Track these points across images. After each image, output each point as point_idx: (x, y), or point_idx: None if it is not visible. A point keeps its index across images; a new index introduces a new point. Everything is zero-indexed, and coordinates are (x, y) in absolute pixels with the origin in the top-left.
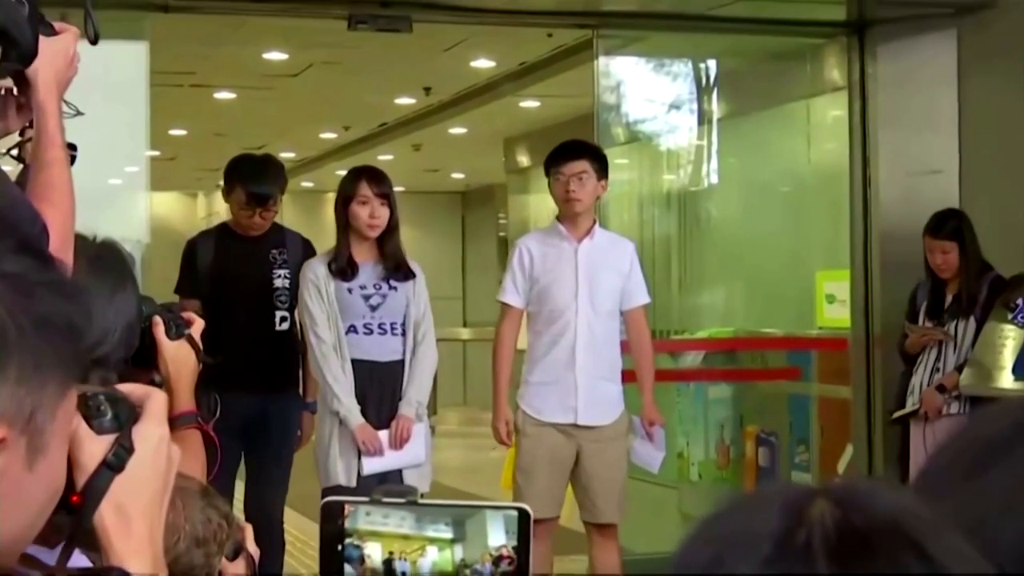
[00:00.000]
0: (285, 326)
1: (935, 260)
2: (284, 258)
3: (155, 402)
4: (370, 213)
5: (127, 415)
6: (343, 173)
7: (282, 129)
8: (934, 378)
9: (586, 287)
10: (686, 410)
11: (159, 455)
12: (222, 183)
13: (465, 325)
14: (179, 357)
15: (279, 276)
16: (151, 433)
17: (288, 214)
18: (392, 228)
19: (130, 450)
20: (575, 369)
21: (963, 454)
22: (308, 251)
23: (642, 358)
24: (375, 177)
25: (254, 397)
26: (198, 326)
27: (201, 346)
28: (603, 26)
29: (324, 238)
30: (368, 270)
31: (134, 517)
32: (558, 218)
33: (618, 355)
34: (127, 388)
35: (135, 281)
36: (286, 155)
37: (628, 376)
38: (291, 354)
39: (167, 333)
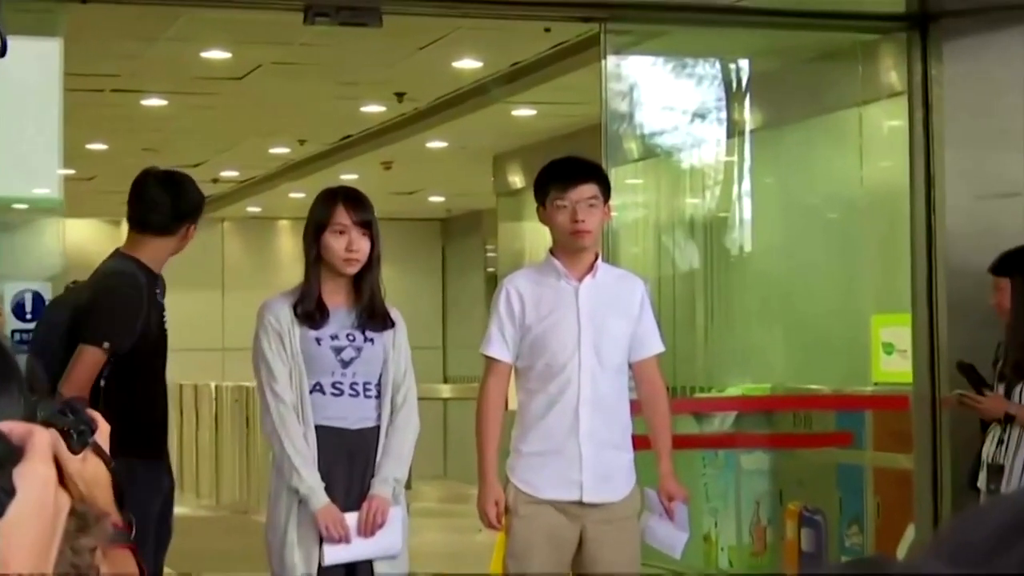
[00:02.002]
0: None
1: (991, 300)
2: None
3: (38, 440)
4: (347, 245)
5: (6, 455)
6: (298, 196)
7: (224, 143)
8: (998, 453)
9: (589, 335)
10: (714, 483)
11: (45, 499)
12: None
13: (445, 381)
14: (88, 473)
15: (166, 323)
16: (35, 474)
17: (232, 245)
18: (372, 264)
19: (10, 493)
20: (578, 435)
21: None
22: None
23: (657, 419)
24: (355, 201)
25: (166, 463)
26: (104, 430)
27: (109, 453)
28: (612, 19)
29: (275, 274)
30: (340, 316)
31: (14, 568)
32: (552, 251)
33: (628, 417)
34: (6, 427)
35: (21, 382)
36: (229, 174)
37: (641, 442)
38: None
39: (69, 446)
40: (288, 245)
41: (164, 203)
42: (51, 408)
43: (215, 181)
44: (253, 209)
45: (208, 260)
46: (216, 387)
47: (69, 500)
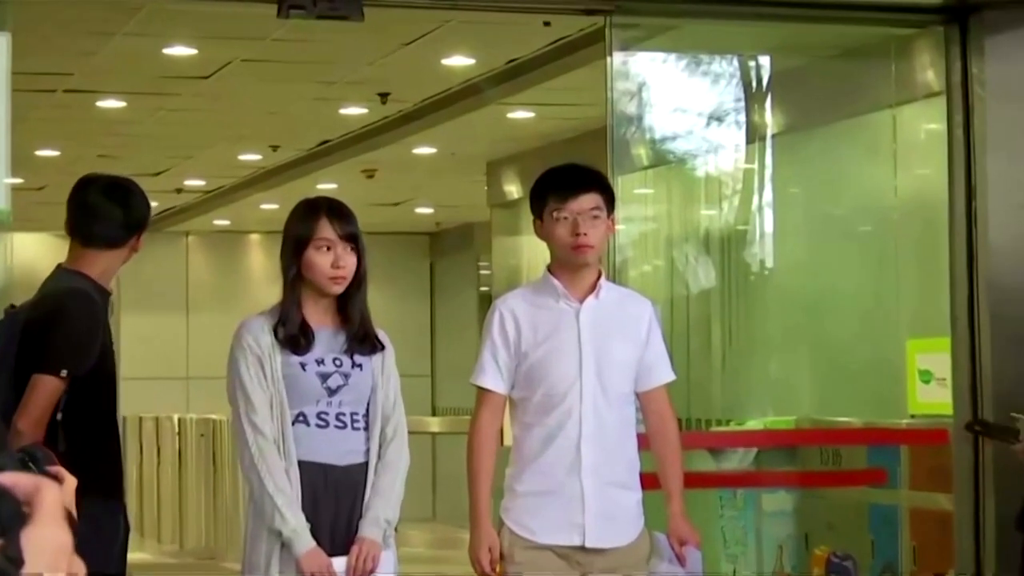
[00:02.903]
0: None
1: None
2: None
3: (49, 497)
4: (333, 262)
5: (11, 518)
6: (270, 208)
7: (189, 149)
8: None
9: (592, 362)
10: (732, 526)
11: (57, 566)
12: None
13: (434, 413)
14: (46, 541)
15: (113, 345)
16: (46, 540)
17: (197, 262)
18: (359, 282)
19: (18, 562)
20: (580, 473)
21: None
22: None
23: (667, 454)
24: (340, 213)
25: (121, 504)
26: (70, 485)
27: (75, 513)
28: (618, 11)
29: (245, 294)
30: (326, 339)
31: None
32: (551, 269)
33: (636, 453)
34: (8, 479)
35: None
36: (194, 183)
37: (650, 481)
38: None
39: None
40: (259, 262)
41: (112, 213)
42: (10, 459)
43: (179, 191)
44: (220, 222)
45: (170, 279)
46: (179, 420)
47: (85, 569)
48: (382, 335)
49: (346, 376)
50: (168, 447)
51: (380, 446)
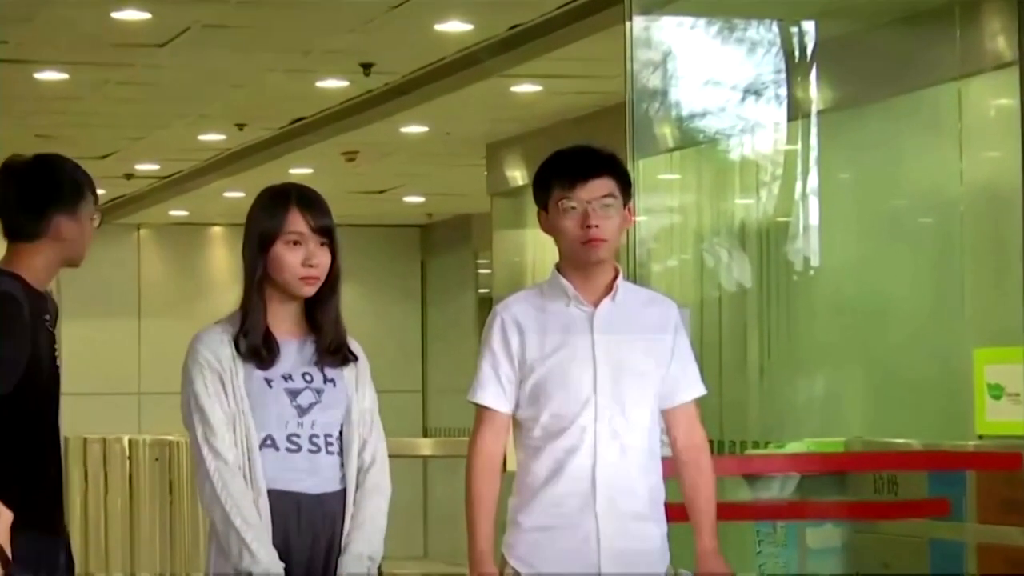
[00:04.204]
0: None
1: None
2: (53, 329)
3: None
4: (304, 259)
5: None
6: (234, 197)
7: (141, 128)
8: None
9: (609, 376)
10: (771, 564)
11: None
12: None
13: (425, 434)
14: None
15: (58, 357)
16: None
17: (151, 260)
18: (332, 283)
19: None
20: (595, 505)
21: None
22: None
23: (697, 482)
24: (311, 203)
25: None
26: (4, 520)
27: (8, 551)
28: None
29: (205, 297)
30: (293, 351)
31: None
32: (559, 268)
33: (660, 480)
34: None
35: None
36: (147, 168)
37: (677, 513)
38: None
39: None
40: (222, 259)
41: (21, 198)
42: None
43: (129, 177)
44: (177, 213)
45: (119, 279)
46: (130, 442)
47: None
48: (355, 345)
49: (318, 393)
50: (117, 473)
51: (358, 472)
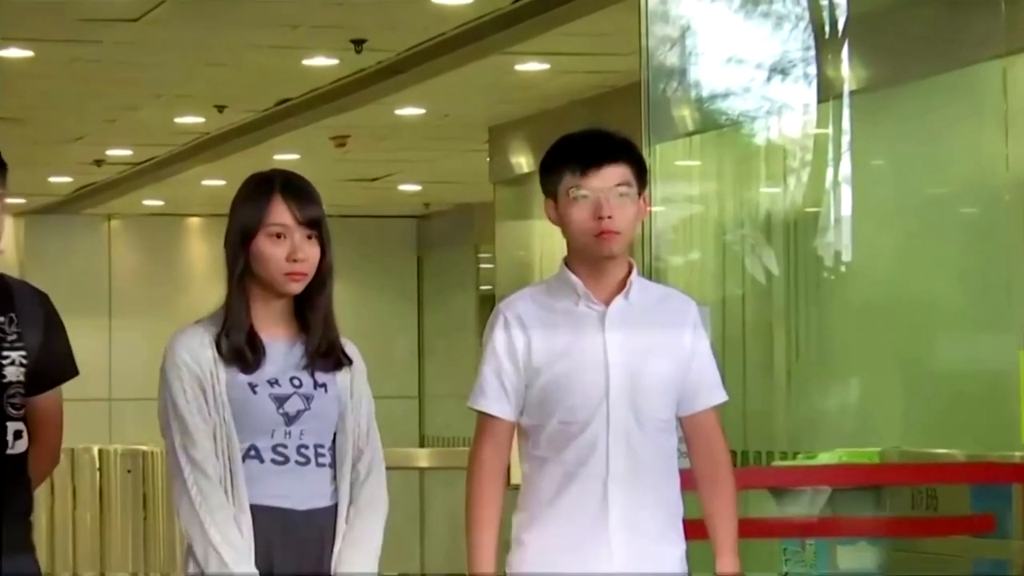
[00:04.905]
0: (21, 447)
1: None
2: (16, 331)
3: None
4: (289, 253)
5: None
6: (214, 185)
7: (113, 111)
8: None
9: (622, 380)
10: None
11: None
12: None
13: (422, 444)
14: None
15: (9, 362)
16: None
17: (122, 253)
18: (322, 279)
19: None
20: (607, 521)
21: None
22: (50, 315)
23: (718, 496)
24: (298, 191)
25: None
26: None
27: None
28: None
29: (182, 293)
30: (280, 353)
31: None
32: (568, 263)
33: (678, 495)
34: None
35: None
36: (119, 153)
37: (696, 530)
38: (29, 494)
39: None
40: (201, 253)
41: None
42: None
43: (99, 163)
44: (152, 202)
45: (89, 274)
46: (100, 452)
47: None
48: (350, 347)
49: (307, 399)
50: (86, 486)
51: (351, 486)
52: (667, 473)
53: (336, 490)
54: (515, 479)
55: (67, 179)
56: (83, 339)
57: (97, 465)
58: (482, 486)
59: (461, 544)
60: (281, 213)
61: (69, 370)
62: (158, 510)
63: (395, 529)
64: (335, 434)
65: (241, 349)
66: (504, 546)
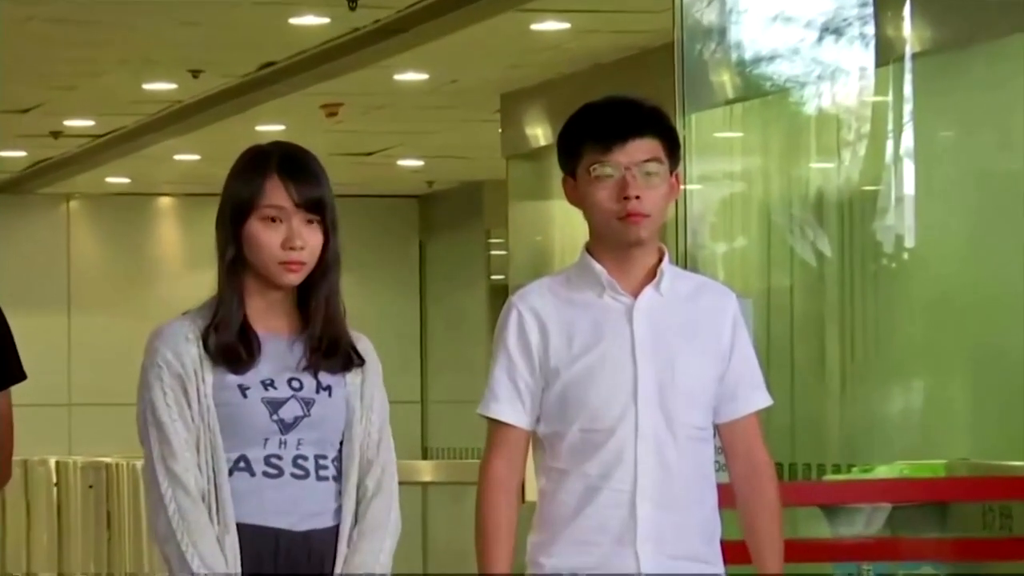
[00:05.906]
0: None
1: None
2: None
3: None
4: (285, 239)
5: None
6: (188, 160)
7: (72, 76)
8: None
9: (652, 382)
10: None
11: None
12: None
13: (425, 455)
14: None
15: None
16: None
17: (83, 237)
18: (326, 269)
19: None
20: (635, 542)
21: None
22: None
23: (760, 513)
24: (298, 169)
25: None
26: None
27: None
28: None
29: (153, 284)
30: (277, 351)
31: None
32: (590, 249)
33: (715, 512)
34: None
35: None
36: (79, 124)
37: (736, 552)
38: None
39: None
40: (172, 237)
41: None
42: None
43: (56, 136)
44: (117, 180)
45: (45, 262)
46: (58, 464)
47: None
48: (363, 344)
49: (307, 404)
50: (42, 502)
51: (358, 503)
52: (703, 488)
53: (339, 508)
54: (530, 495)
55: (20, 153)
56: (38, 336)
57: (54, 479)
58: (494, 502)
59: (470, 568)
60: (277, 194)
61: (15, 373)
62: (123, 530)
63: (395, 551)
64: (341, 443)
65: (231, 346)
66: (518, 567)
